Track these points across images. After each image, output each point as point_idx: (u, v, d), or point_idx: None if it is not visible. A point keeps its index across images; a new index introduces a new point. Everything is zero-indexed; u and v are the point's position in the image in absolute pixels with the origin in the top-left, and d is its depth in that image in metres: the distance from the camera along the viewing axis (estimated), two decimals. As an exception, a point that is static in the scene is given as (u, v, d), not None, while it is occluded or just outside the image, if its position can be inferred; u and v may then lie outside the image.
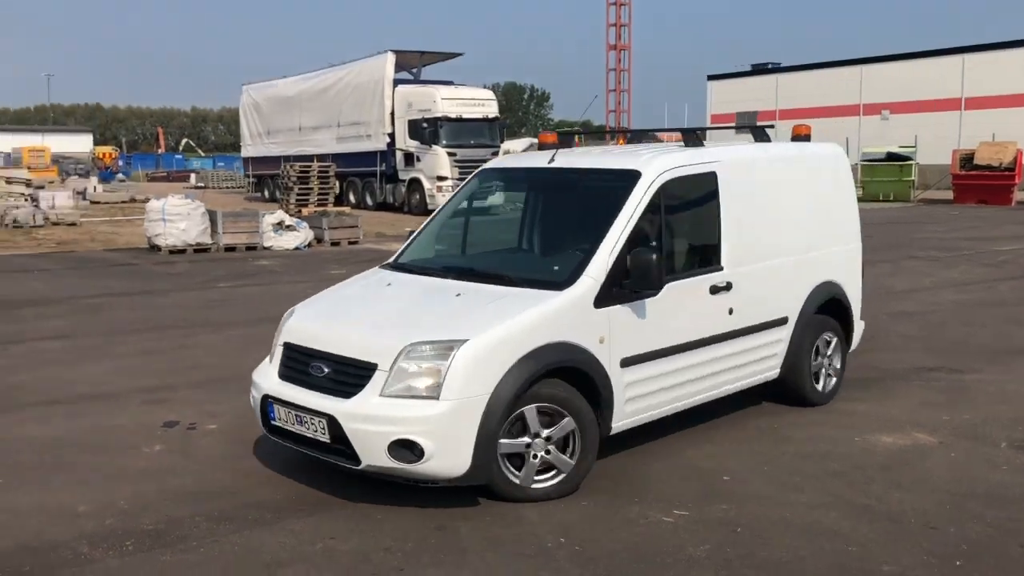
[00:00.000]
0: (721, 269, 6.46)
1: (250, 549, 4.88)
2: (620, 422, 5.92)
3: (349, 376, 5.40)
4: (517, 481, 5.42)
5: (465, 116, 29.98)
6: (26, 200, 29.13)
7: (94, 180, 43.31)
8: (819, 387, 7.46)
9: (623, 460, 6.20)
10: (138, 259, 18.80)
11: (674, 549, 4.84)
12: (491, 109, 31.23)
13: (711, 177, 6.49)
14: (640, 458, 6.25)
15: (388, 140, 31.21)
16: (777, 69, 55.44)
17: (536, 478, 5.46)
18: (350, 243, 21.25)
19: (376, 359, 5.32)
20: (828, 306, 7.46)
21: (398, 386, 5.22)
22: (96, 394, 8.04)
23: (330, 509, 5.41)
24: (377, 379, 5.27)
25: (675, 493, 5.62)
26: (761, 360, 6.93)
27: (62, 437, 6.82)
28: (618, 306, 5.77)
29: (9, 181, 30.89)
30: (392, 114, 31.11)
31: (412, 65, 34.02)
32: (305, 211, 25.88)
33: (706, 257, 6.53)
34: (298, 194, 29.52)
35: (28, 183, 31.08)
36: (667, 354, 6.09)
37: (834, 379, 7.64)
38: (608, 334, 5.71)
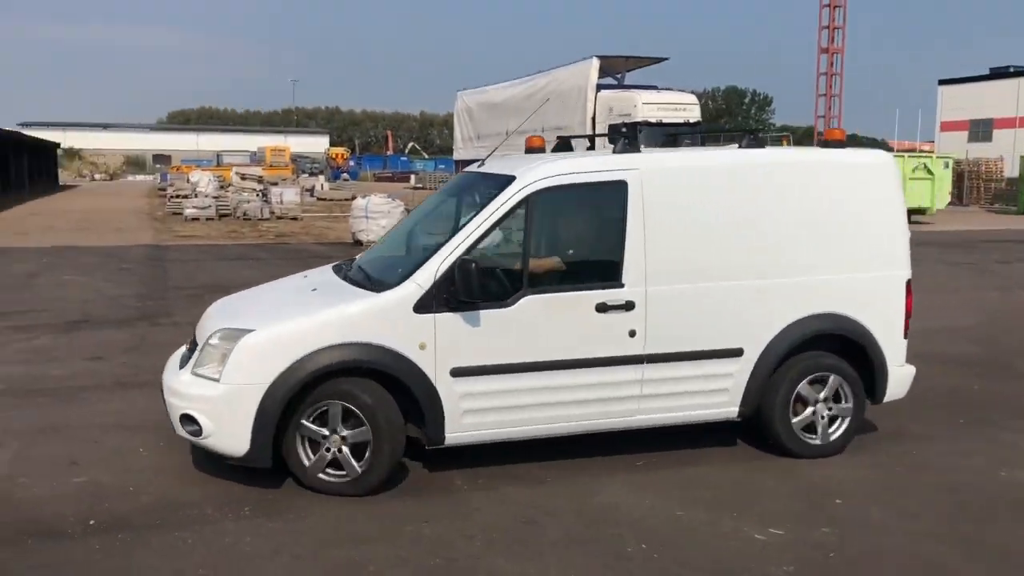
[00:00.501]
0: (621, 286, 5.86)
1: (344, 522, 5.20)
2: (456, 434, 5.72)
3: (189, 356, 5.90)
4: (306, 465, 5.56)
5: (665, 120, 29.65)
6: (257, 195, 31.93)
7: (322, 179, 46.73)
8: (810, 437, 6.31)
9: (737, 473, 6.04)
10: (338, 252, 20.12)
11: (755, 568, 4.68)
12: (692, 113, 30.72)
13: (618, 186, 5.92)
14: (756, 473, 6.05)
15: (588, 145, 31.43)
16: (1020, 73, 50.74)
17: (326, 470, 5.56)
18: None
19: (200, 342, 5.79)
20: (827, 342, 6.32)
21: (200, 367, 5.64)
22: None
23: (433, 495, 5.65)
24: (193, 359, 5.74)
25: (778, 511, 5.40)
26: (697, 394, 6.09)
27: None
28: (448, 314, 5.56)
29: (244, 178, 33.96)
30: (593, 119, 31.31)
31: (617, 70, 34.07)
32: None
33: (599, 272, 6.00)
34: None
35: (260, 179, 33.96)
36: (522, 370, 5.72)
37: (839, 429, 6.37)
38: (432, 341, 5.54)
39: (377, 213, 20.84)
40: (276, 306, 6.09)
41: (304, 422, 5.52)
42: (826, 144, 6.71)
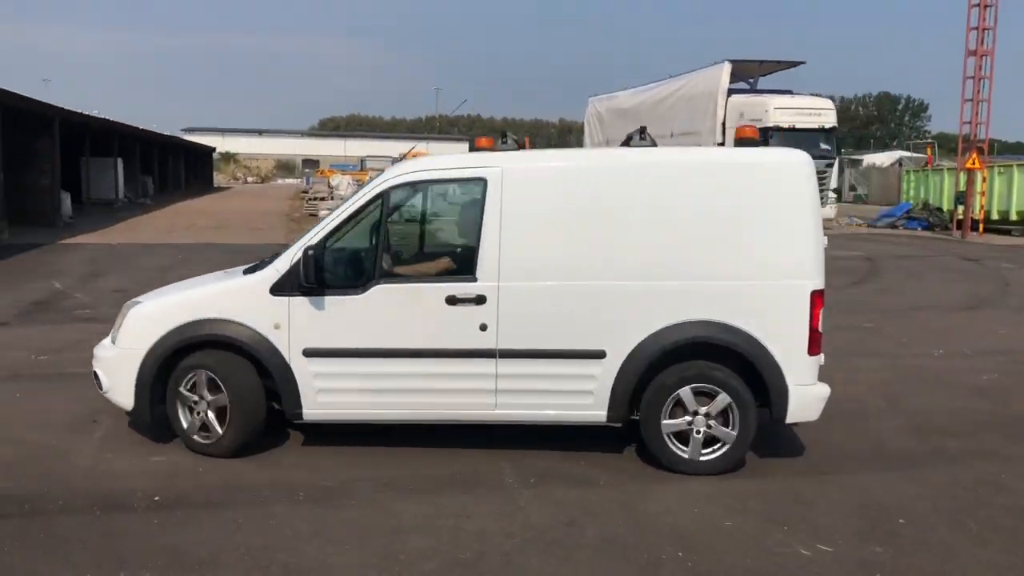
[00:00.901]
0: (473, 280, 5.89)
1: (390, 514, 5.30)
2: (313, 411, 6.12)
3: None
4: (184, 427, 6.25)
5: (798, 126, 28.75)
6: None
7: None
8: (680, 448, 5.91)
9: (800, 486, 5.80)
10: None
11: (791, 583, 4.49)
12: (828, 119, 29.66)
13: (477, 184, 6.00)
14: (821, 486, 5.80)
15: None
16: None
17: (199, 432, 6.22)
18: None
19: None
20: (709, 352, 5.88)
21: (112, 333, 6.50)
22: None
23: (482, 490, 5.69)
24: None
25: (832, 527, 5.16)
26: (557, 393, 5.96)
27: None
28: (301, 298, 5.99)
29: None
30: (723, 124, 30.68)
31: (750, 75, 33.26)
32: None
33: (454, 266, 6.26)
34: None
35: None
36: (374, 355, 5.99)
37: (715, 453, 5.92)
38: (287, 322, 6.01)
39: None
40: (180, 286, 6.99)
41: (180, 389, 6.20)
42: (740, 142, 6.24)
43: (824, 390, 6.03)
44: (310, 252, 5.89)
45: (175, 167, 53.80)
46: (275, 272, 6.10)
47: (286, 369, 6.06)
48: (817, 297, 5.86)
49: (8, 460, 6.12)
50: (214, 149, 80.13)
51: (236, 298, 6.19)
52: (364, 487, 5.71)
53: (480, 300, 5.90)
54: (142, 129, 44.07)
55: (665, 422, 5.93)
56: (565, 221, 5.95)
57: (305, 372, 6.06)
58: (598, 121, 42.04)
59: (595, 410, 5.99)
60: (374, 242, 6.24)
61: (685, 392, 5.89)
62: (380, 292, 6.01)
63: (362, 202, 6.14)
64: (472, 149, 6.46)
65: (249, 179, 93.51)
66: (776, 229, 5.89)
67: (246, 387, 6.12)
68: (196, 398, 6.19)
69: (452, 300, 5.92)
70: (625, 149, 6.29)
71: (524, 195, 5.96)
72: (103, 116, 33.97)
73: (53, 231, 24.40)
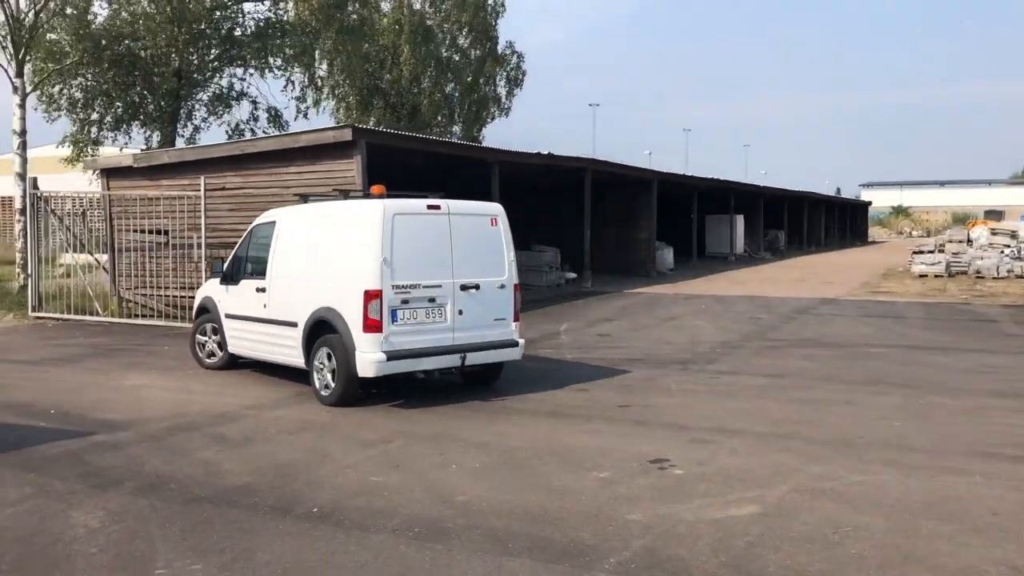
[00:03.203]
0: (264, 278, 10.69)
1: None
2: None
3: None
4: (200, 355, 12.09)
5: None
6: (1003, 251, 28.69)
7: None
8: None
9: None
10: (1005, 315, 17.23)
11: None
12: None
13: (273, 224, 10.77)
14: None
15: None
16: None
17: (208, 358, 12.04)
18: None
19: None
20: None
21: None
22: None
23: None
24: None
25: None
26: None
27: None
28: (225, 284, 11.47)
29: (995, 232, 30.83)
30: None
31: None
32: None
33: (262, 270, 10.70)
34: None
35: (1013, 235, 30.41)
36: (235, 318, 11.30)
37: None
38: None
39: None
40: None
41: (197, 335, 11.91)
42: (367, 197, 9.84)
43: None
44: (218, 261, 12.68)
45: (813, 221, 54.40)
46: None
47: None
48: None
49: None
50: (869, 203, 78.69)
51: (208, 289, 12.24)
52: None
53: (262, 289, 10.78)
54: (766, 187, 45.87)
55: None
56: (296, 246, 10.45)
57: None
58: None
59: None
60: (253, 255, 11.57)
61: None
62: (244, 283, 11.29)
63: (245, 233, 11.91)
64: (368, 196, 9.96)
65: (914, 232, 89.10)
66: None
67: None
68: (205, 339, 11.89)
69: (260, 289, 10.68)
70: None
71: (287, 231, 10.69)
72: (713, 177, 36.32)
73: (640, 280, 27.04)
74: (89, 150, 24.62)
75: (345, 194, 10.59)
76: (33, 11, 20.41)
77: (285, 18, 26.15)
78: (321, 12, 25.45)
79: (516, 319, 10.06)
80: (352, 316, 9.00)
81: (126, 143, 25.56)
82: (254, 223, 11.22)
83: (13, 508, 6.11)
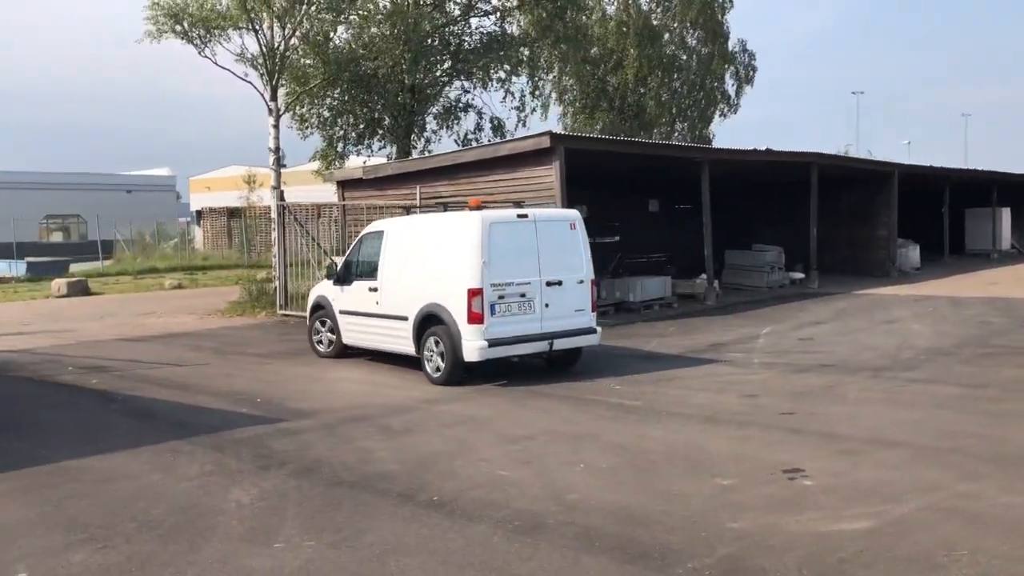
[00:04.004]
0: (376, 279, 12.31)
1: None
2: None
3: None
4: (317, 346, 13.87)
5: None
6: None
7: None
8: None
9: None
10: None
11: None
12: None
13: (381, 233, 12.41)
14: None
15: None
16: None
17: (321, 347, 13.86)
18: None
19: None
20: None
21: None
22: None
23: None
24: None
25: None
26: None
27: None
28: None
29: None
30: None
31: None
32: None
33: (373, 272, 12.30)
34: None
35: None
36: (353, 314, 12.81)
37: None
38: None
39: None
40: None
41: (313, 328, 13.64)
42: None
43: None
44: (333, 264, 13.95)
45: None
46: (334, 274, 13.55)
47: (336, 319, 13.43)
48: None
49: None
50: None
51: (323, 288, 13.82)
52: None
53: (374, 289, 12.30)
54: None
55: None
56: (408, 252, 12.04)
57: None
58: None
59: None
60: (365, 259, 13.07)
61: None
62: (357, 284, 12.94)
63: (358, 238, 13.44)
64: (471, 207, 11.57)
65: None
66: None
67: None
68: (321, 329, 13.47)
69: (373, 289, 12.19)
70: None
71: (395, 239, 12.31)
72: (966, 167, 33.20)
73: (876, 281, 25.36)
74: (336, 163, 26.91)
75: (445, 207, 12.66)
76: (283, 40, 22.65)
77: (509, 31, 27.20)
78: (539, 23, 26.19)
79: (594, 309, 11.61)
80: (458, 310, 10.57)
81: (369, 156, 27.69)
82: (363, 232, 12.85)
83: (189, 482, 7.09)
